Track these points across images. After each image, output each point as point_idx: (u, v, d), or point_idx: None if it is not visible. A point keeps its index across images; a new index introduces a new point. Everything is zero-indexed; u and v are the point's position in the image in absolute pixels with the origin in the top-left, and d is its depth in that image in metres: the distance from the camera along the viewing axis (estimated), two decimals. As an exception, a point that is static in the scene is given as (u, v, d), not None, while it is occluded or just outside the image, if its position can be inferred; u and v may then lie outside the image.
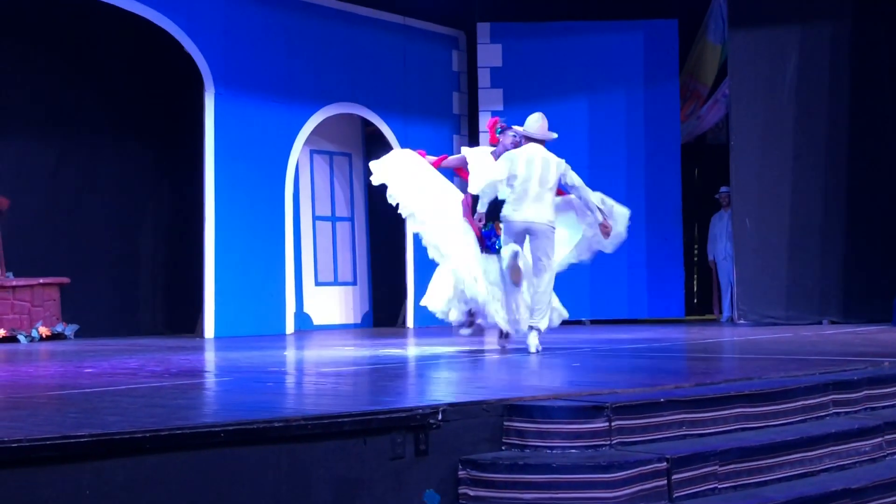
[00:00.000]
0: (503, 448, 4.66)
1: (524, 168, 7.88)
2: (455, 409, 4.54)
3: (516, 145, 8.32)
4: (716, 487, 4.62)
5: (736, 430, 5.04)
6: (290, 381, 6.52)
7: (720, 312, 13.83)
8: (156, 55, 11.83)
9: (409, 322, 13.23)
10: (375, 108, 13.08)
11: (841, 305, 12.04)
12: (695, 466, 4.57)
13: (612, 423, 4.65)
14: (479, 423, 4.62)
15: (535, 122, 8.10)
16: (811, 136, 12.18)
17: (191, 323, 11.99)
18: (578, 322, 12.36)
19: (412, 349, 9.11)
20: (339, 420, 4.22)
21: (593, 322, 12.82)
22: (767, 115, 12.29)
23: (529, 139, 8.10)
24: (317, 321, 13.08)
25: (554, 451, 4.58)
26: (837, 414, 5.53)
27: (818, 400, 5.46)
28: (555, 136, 8.14)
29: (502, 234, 8.03)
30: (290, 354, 8.83)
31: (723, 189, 13.42)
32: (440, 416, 4.45)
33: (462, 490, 4.49)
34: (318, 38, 12.48)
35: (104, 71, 11.97)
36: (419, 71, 13.54)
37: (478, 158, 8.54)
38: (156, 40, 11.37)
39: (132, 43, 11.85)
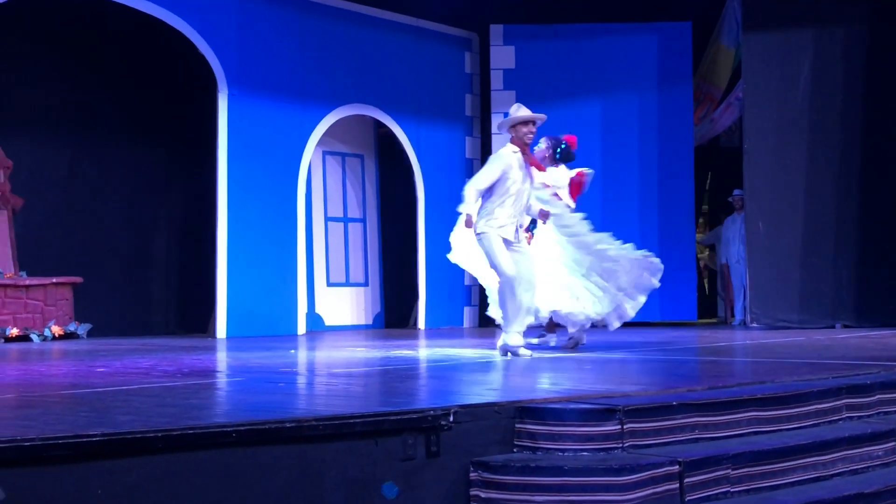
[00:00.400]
0: (514, 450, 4.65)
1: None
2: (466, 411, 4.53)
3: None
4: (728, 491, 4.60)
5: (748, 433, 5.02)
6: (302, 381, 6.52)
7: (732, 315, 13.79)
8: (170, 56, 11.86)
9: (421, 323, 13.23)
10: (388, 110, 13.08)
11: (854, 309, 11.99)
12: (707, 470, 4.55)
13: (624, 426, 4.63)
14: (490, 424, 4.61)
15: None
16: (825, 139, 12.14)
17: (203, 323, 12.01)
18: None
19: (424, 350, 9.11)
20: (351, 421, 4.22)
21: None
22: (781, 118, 12.25)
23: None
24: (328, 322, 13.09)
25: (565, 454, 4.57)
26: (850, 418, 5.50)
27: (831, 404, 5.44)
28: (512, 117, 7.83)
29: None
30: (299, 354, 8.83)
31: (736, 192, 13.39)
32: (452, 418, 4.44)
33: (473, 492, 4.48)
34: (330, 39, 12.49)
35: (118, 72, 12.00)
36: (432, 73, 13.54)
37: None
38: (170, 42, 11.39)
39: (146, 44, 11.88)
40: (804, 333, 10.87)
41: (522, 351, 7.69)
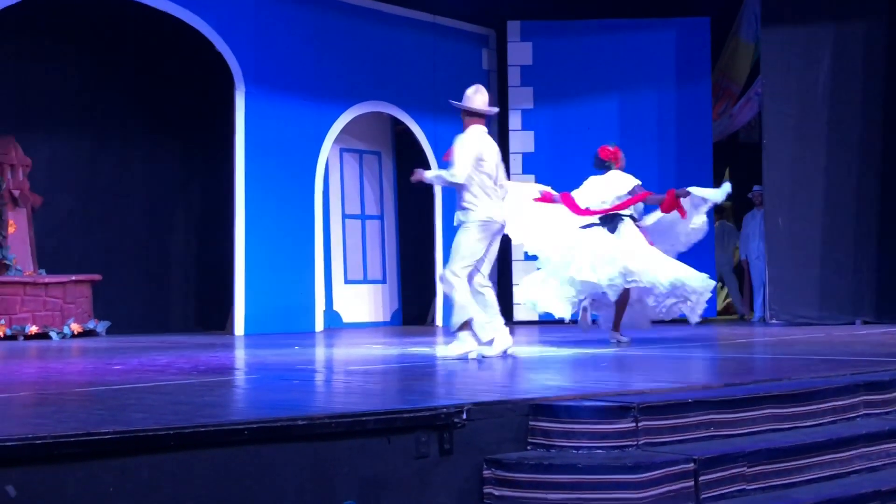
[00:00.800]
0: (528, 448, 4.63)
1: (492, 156, 7.40)
2: (480, 409, 4.52)
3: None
4: (744, 489, 4.57)
5: (765, 431, 4.99)
6: (318, 379, 6.52)
7: (751, 311, 13.73)
8: (187, 54, 11.89)
9: (439, 320, 13.22)
10: (405, 107, 13.08)
11: (874, 305, 11.91)
12: (723, 468, 4.52)
13: (639, 424, 4.61)
14: (504, 422, 4.59)
15: (483, 96, 7.58)
16: (844, 134, 12.06)
17: (221, 320, 12.04)
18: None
19: (440, 348, 9.08)
20: (363, 419, 4.21)
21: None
22: (800, 113, 12.17)
23: (473, 115, 7.52)
24: (346, 319, 13.10)
25: (580, 452, 4.55)
26: (868, 415, 5.46)
27: (848, 401, 5.40)
28: (495, 110, 7.82)
29: (479, 235, 7.32)
30: (299, 351, 8.83)
31: (756, 188, 13.32)
32: (465, 416, 4.43)
33: (487, 490, 4.47)
34: (348, 36, 12.49)
35: (136, 70, 12.04)
36: (449, 69, 13.51)
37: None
38: (187, 39, 11.42)
39: (164, 42, 11.91)
40: (824, 330, 10.80)
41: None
